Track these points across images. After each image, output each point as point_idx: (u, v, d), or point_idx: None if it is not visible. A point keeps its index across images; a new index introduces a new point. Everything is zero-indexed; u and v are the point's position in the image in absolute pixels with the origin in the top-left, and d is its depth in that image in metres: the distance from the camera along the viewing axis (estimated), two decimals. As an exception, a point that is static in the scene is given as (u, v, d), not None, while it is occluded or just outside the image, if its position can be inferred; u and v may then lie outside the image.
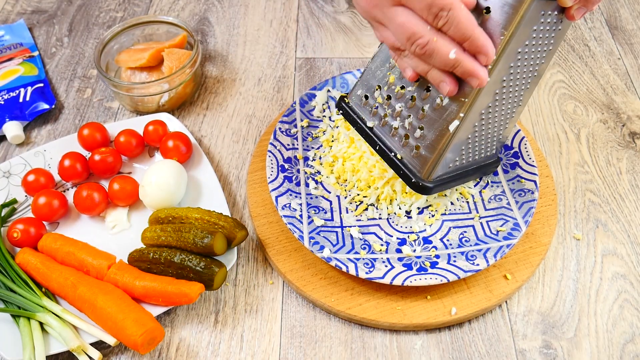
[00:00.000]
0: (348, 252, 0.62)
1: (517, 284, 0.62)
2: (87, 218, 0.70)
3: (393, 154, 0.61)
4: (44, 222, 0.68)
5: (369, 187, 0.67)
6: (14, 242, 0.65)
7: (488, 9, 0.50)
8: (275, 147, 0.71)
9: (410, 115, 0.60)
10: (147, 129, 0.74)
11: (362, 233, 0.65)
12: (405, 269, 0.60)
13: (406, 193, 0.66)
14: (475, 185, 0.69)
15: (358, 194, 0.68)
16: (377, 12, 0.53)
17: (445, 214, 0.67)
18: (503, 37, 0.50)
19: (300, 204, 0.66)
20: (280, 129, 0.73)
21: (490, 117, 0.58)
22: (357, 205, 0.68)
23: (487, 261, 0.60)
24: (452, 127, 0.55)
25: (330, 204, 0.68)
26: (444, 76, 0.53)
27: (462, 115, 0.55)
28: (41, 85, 0.84)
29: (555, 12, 0.52)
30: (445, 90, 0.53)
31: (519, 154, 0.70)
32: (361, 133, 0.64)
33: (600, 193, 0.72)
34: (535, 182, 0.66)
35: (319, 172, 0.71)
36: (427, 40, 0.50)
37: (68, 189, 0.72)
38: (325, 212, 0.67)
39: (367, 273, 0.59)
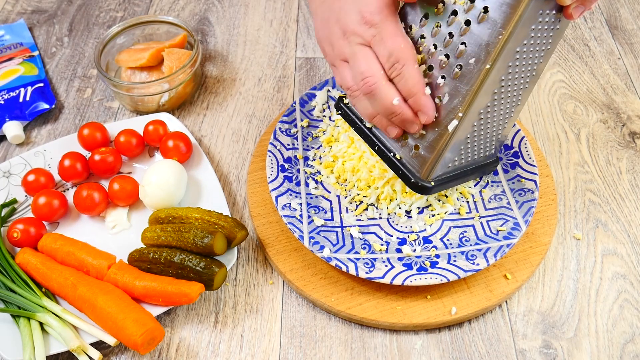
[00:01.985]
0: (348, 252, 0.62)
1: (517, 284, 0.62)
2: (87, 218, 0.70)
3: (392, 154, 0.61)
4: (44, 222, 0.68)
5: (369, 187, 0.67)
6: (14, 242, 0.65)
7: (486, 8, 0.50)
8: (275, 147, 0.71)
9: None
10: (147, 129, 0.74)
11: (362, 233, 0.65)
12: (406, 268, 0.60)
13: (406, 193, 0.66)
14: (475, 185, 0.69)
15: (358, 194, 0.68)
16: (345, 46, 0.56)
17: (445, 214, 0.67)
18: (501, 37, 0.50)
19: (300, 204, 0.66)
20: (280, 128, 0.73)
21: (489, 116, 0.58)
22: (357, 205, 0.68)
23: (487, 261, 0.60)
24: (451, 127, 0.55)
25: (330, 203, 0.68)
26: (389, 121, 0.57)
27: (460, 115, 0.55)
28: (41, 85, 0.84)
29: (554, 11, 0.51)
30: (392, 134, 0.58)
31: (519, 153, 0.70)
32: (360, 133, 0.64)
33: (600, 193, 0.72)
34: (535, 181, 0.66)
35: (319, 172, 0.71)
36: (376, 81, 0.54)
37: (68, 189, 0.72)
38: (325, 212, 0.67)
39: (367, 273, 0.59)
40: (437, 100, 0.56)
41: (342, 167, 0.69)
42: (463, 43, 0.52)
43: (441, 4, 0.54)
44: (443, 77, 0.54)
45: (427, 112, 0.54)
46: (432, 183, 0.60)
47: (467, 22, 0.52)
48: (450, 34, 0.53)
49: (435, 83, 0.55)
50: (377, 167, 0.66)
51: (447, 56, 0.54)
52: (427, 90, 0.55)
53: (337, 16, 0.56)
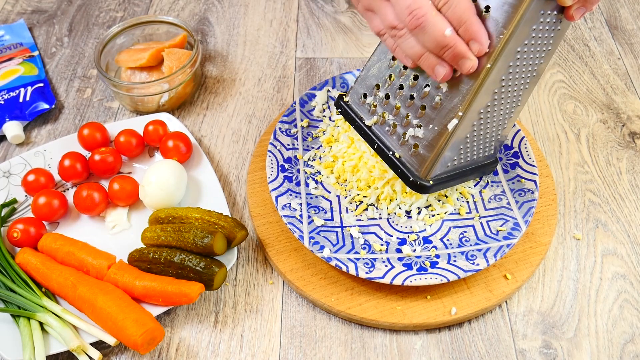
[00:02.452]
0: (348, 252, 0.62)
1: (517, 284, 0.62)
2: (87, 218, 0.70)
3: (391, 152, 0.61)
4: (44, 222, 0.68)
5: (369, 187, 0.67)
6: (14, 242, 0.65)
7: (488, 8, 0.50)
8: (275, 147, 0.71)
9: (408, 114, 0.60)
10: (147, 129, 0.74)
11: (362, 233, 0.65)
12: (406, 268, 0.60)
13: (406, 193, 0.66)
14: (475, 185, 0.69)
15: (358, 194, 0.68)
16: None
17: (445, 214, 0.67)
18: (502, 36, 0.50)
19: (300, 204, 0.66)
20: (280, 128, 0.73)
21: (489, 116, 0.58)
22: (357, 205, 0.68)
23: (487, 261, 0.60)
24: (450, 126, 0.55)
25: (330, 203, 0.68)
26: (438, 59, 0.52)
27: (460, 114, 0.55)
28: (41, 85, 0.84)
29: (555, 12, 0.52)
30: (441, 74, 0.52)
31: (519, 153, 0.70)
32: (359, 132, 0.64)
33: (600, 193, 0.72)
34: (535, 181, 0.66)
35: (319, 172, 0.71)
36: (425, 12, 0.49)
37: (68, 189, 0.72)
38: (325, 212, 0.67)
39: (367, 273, 0.59)
40: (437, 99, 0.56)
41: (342, 167, 0.69)
42: None
43: None
44: None
45: (480, 39, 0.50)
46: (431, 182, 0.60)
47: None
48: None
49: (434, 82, 0.55)
50: (377, 167, 0.66)
51: None
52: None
53: None
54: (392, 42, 0.55)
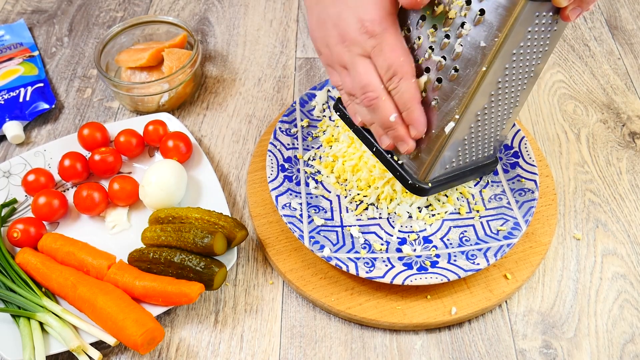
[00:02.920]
0: (348, 252, 0.62)
1: (517, 284, 0.62)
2: (87, 218, 0.70)
3: (390, 155, 0.61)
4: (44, 222, 0.68)
5: (369, 186, 0.67)
6: (14, 242, 0.65)
7: (482, 11, 0.50)
8: (276, 146, 0.71)
9: None
10: (147, 129, 0.74)
11: (363, 232, 0.65)
12: (406, 268, 0.60)
13: (406, 193, 0.66)
14: (475, 185, 0.69)
15: (358, 194, 0.68)
16: (346, 55, 0.55)
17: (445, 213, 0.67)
18: (497, 39, 0.50)
19: (300, 204, 0.66)
20: (280, 128, 0.73)
21: (486, 118, 0.58)
22: (357, 205, 0.68)
23: (488, 260, 0.60)
24: (447, 129, 0.55)
25: (330, 203, 0.68)
26: (384, 132, 0.58)
27: (457, 117, 0.55)
28: (41, 85, 0.84)
29: (550, 13, 0.51)
30: (385, 144, 0.59)
31: (519, 153, 0.70)
32: (358, 134, 0.64)
33: (600, 193, 0.72)
34: (535, 181, 0.66)
35: (319, 172, 0.71)
36: (377, 96, 0.55)
37: (68, 189, 0.72)
38: (326, 212, 0.67)
39: (367, 272, 0.59)
40: (433, 102, 0.56)
41: (342, 166, 0.69)
42: (460, 45, 0.52)
43: (438, 6, 0.54)
44: (439, 79, 0.54)
45: (418, 127, 0.55)
46: (430, 184, 0.60)
47: (464, 25, 0.52)
48: (447, 36, 0.53)
49: (431, 85, 0.55)
50: (377, 167, 0.66)
51: (444, 58, 0.54)
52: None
53: (334, 21, 0.55)
54: (347, 99, 0.60)
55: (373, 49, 0.53)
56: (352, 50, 0.55)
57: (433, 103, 0.56)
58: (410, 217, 0.66)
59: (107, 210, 0.70)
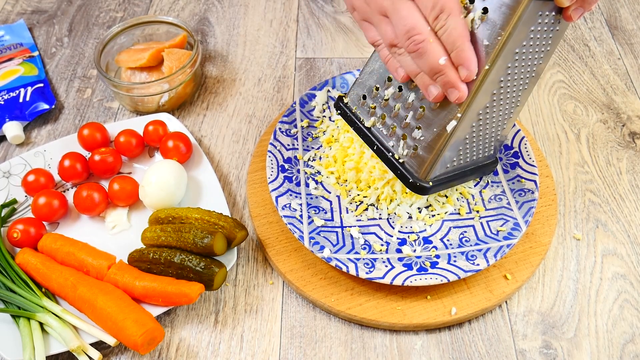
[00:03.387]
0: (348, 252, 0.62)
1: (517, 284, 0.62)
2: (87, 218, 0.70)
3: (391, 154, 0.61)
4: (44, 222, 0.68)
5: (369, 187, 0.67)
6: (14, 243, 0.65)
7: (485, 9, 0.50)
8: (275, 147, 0.71)
9: (408, 116, 0.60)
10: (147, 129, 0.74)
11: (362, 233, 0.65)
12: (406, 269, 0.60)
13: (406, 193, 0.66)
14: (475, 185, 0.69)
15: (358, 194, 0.68)
16: (387, 2, 0.52)
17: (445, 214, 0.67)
18: (500, 38, 0.50)
19: (300, 204, 0.66)
20: (280, 129, 0.73)
21: (488, 117, 0.58)
22: (357, 206, 0.68)
23: (487, 261, 0.60)
24: (449, 128, 0.55)
25: (330, 204, 0.68)
26: (432, 80, 0.54)
27: (459, 115, 0.55)
28: (41, 85, 0.84)
29: (553, 13, 0.51)
30: (433, 94, 0.54)
31: (519, 153, 0.70)
32: (359, 133, 0.64)
33: (600, 193, 0.72)
34: (535, 181, 0.66)
35: (319, 172, 0.71)
36: (424, 39, 0.51)
37: (68, 189, 0.72)
38: (326, 212, 0.67)
39: (367, 273, 0.59)
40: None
41: (342, 167, 0.69)
42: None
43: None
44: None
45: (468, 66, 0.51)
46: (431, 183, 0.60)
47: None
48: None
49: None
50: (377, 167, 0.66)
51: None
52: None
53: None
54: (386, 54, 0.56)
55: None
56: None
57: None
58: (410, 217, 0.66)
59: (107, 210, 0.70)
